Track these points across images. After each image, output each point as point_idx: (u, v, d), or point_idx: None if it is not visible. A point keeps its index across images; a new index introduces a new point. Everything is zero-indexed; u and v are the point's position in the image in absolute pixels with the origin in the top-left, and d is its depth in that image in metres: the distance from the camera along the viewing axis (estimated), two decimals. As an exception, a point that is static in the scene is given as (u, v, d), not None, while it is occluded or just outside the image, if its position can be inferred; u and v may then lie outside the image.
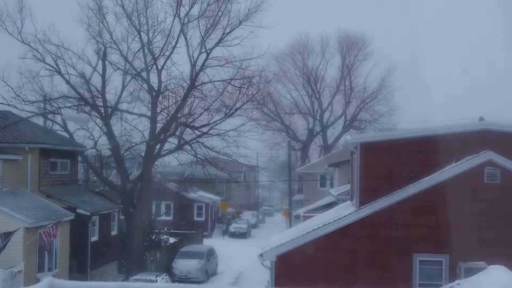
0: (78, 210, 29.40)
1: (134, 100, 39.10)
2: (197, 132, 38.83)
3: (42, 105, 37.41)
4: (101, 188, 41.83)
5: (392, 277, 17.14)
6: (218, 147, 38.74)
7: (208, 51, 37.71)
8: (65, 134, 36.88)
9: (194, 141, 38.48)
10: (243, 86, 38.21)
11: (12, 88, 34.38)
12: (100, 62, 37.19)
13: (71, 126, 37.44)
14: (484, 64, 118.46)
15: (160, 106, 38.30)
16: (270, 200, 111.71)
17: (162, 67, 37.74)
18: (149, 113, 38.04)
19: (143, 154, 38.45)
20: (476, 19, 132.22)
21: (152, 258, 36.53)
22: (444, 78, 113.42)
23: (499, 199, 17.10)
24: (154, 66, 37.71)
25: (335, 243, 17.56)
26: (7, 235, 22.51)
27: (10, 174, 28.04)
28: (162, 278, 30.76)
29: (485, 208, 17.06)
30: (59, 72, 36.34)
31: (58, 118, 37.15)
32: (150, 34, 37.53)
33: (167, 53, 37.62)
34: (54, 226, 25.31)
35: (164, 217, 55.00)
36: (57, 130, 37.17)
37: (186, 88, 38.07)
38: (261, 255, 17.89)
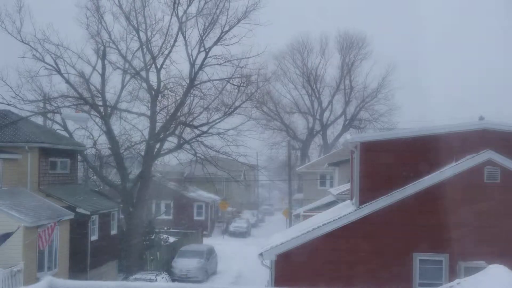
0: (78, 209, 29.35)
1: (134, 99, 39.10)
2: (197, 131, 38.78)
3: (41, 104, 37.43)
4: (101, 187, 41.81)
5: (392, 276, 17.13)
6: (217, 146, 38.74)
7: (207, 50, 37.65)
8: (64, 133, 36.83)
9: (193, 140, 38.43)
10: (242, 84, 38.21)
11: (11, 88, 34.40)
12: (99, 62, 37.17)
13: (70, 125, 37.45)
14: (484, 63, 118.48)
15: (159, 105, 38.32)
16: (270, 199, 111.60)
17: (161, 66, 37.70)
18: (148, 112, 38.00)
19: (142, 153, 38.39)
20: (476, 18, 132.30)
21: (152, 257, 36.52)
22: (444, 77, 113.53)
23: (499, 198, 17.10)
24: (153, 65, 37.66)
25: (335, 242, 17.55)
26: (6, 236, 22.42)
27: (10, 173, 28.01)
28: (162, 278, 30.73)
29: (485, 208, 17.05)
30: (59, 72, 36.29)
31: (57, 118, 37.15)
32: (149, 33, 37.47)
33: (166, 52, 37.57)
34: (50, 227, 25.17)
35: (164, 216, 55.04)
36: (57, 129, 37.12)
37: (185, 87, 38.05)
38: (261, 254, 17.88)
